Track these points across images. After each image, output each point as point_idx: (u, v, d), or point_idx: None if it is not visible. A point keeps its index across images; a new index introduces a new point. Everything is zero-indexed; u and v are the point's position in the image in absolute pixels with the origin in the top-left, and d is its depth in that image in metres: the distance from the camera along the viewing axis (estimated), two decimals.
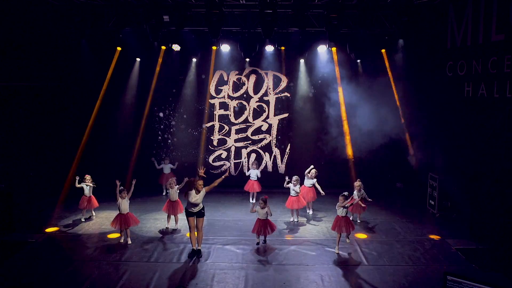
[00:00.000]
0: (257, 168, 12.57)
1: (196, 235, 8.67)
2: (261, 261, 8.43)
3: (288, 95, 14.00)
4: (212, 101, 14.04)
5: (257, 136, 14.17)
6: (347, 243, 9.12)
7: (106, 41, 12.88)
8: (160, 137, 14.07)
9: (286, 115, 14.08)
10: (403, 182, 13.82)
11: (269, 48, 13.21)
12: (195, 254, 8.60)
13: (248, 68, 13.86)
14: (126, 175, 12.93)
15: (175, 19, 10.97)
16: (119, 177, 9.53)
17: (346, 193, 8.92)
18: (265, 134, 14.16)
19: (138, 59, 13.64)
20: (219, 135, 14.16)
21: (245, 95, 14.01)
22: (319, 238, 9.74)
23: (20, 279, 7.61)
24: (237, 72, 13.90)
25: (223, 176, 8.90)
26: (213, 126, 14.12)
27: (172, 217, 10.24)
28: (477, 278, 5.35)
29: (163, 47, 13.26)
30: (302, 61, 13.70)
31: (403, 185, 13.82)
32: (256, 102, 14.01)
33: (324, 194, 10.84)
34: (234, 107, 14.05)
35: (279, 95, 14.01)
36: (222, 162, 14.25)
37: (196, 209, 8.53)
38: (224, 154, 14.23)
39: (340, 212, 8.85)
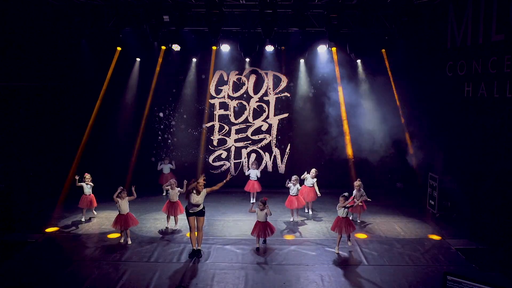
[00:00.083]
0: (257, 168, 12.58)
1: (196, 235, 8.68)
2: (261, 261, 8.44)
3: (288, 95, 13.99)
4: (212, 101, 14.04)
5: (257, 136, 14.16)
6: (347, 243, 9.12)
7: (106, 41, 12.86)
8: (160, 137, 14.06)
9: (286, 115, 14.08)
10: (403, 182, 13.83)
11: (269, 48, 13.19)
12: (195, 254, 8.60)
13: (248, 68, 13.86)
14: (126, 175, 12.96)
15: (175, 19, 10.98)
16: (119, 177, 9.58)
17: (346, 194, 8.92)
18: (265, 134, 14.15)
19: (138, 59, 13.63)
20: (219, 135, 14.16)
21: (245, 95, 14.01)
22: (319, 238, 9.74)
23: (20, 279, 7.62)
24: (237, 72, 13.89)
25: (224, 181, 8.85)
26: (213, 126, 14.12)
27: (172, 217, 10.24)
28: (477, 278, 5.33)
29: (163, 47, 13.25)
30: (302, 61, 13.69)
31: (403, 185, 13.83)
32: (256, 102, 14.01)
33: (319, 195, 10.87)
34: (234, 107, 14.05)
35: (279, 95, 14.00)
36: (222, 162, 14.25)
37: (197, 209, 8.56)
38: (224, 154, 14.23)
39: (341, 212, 8.85)
